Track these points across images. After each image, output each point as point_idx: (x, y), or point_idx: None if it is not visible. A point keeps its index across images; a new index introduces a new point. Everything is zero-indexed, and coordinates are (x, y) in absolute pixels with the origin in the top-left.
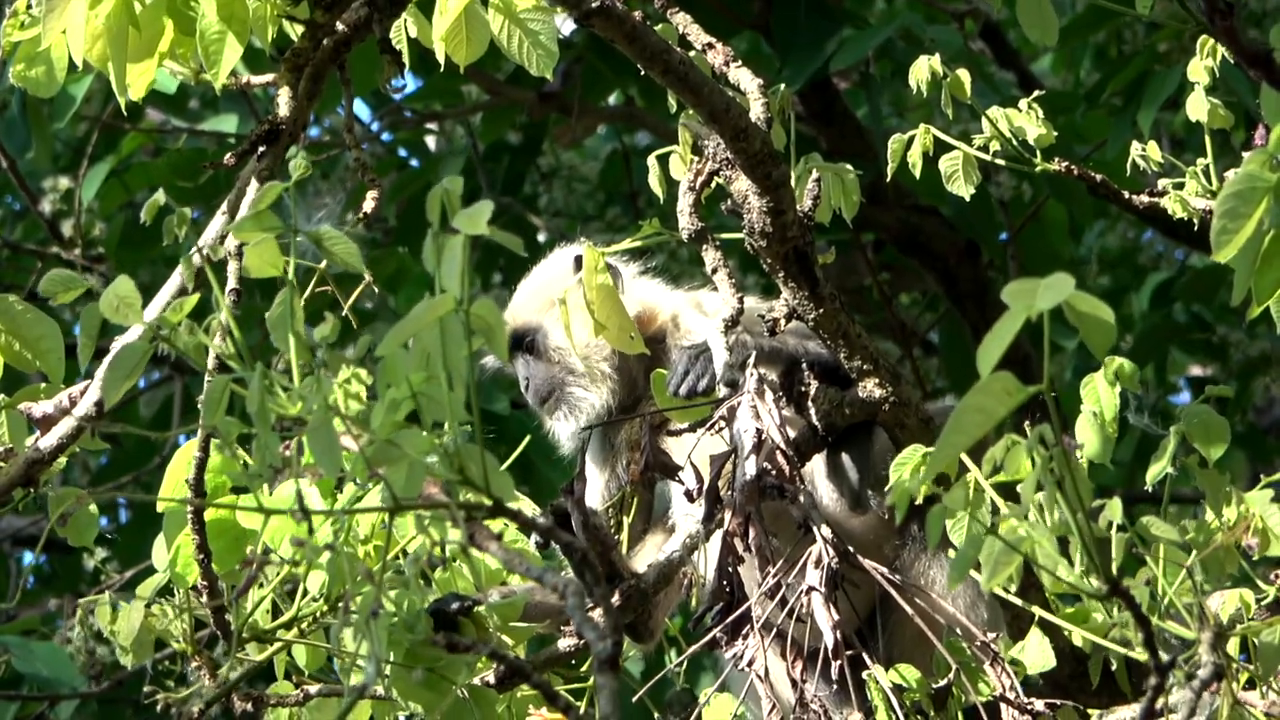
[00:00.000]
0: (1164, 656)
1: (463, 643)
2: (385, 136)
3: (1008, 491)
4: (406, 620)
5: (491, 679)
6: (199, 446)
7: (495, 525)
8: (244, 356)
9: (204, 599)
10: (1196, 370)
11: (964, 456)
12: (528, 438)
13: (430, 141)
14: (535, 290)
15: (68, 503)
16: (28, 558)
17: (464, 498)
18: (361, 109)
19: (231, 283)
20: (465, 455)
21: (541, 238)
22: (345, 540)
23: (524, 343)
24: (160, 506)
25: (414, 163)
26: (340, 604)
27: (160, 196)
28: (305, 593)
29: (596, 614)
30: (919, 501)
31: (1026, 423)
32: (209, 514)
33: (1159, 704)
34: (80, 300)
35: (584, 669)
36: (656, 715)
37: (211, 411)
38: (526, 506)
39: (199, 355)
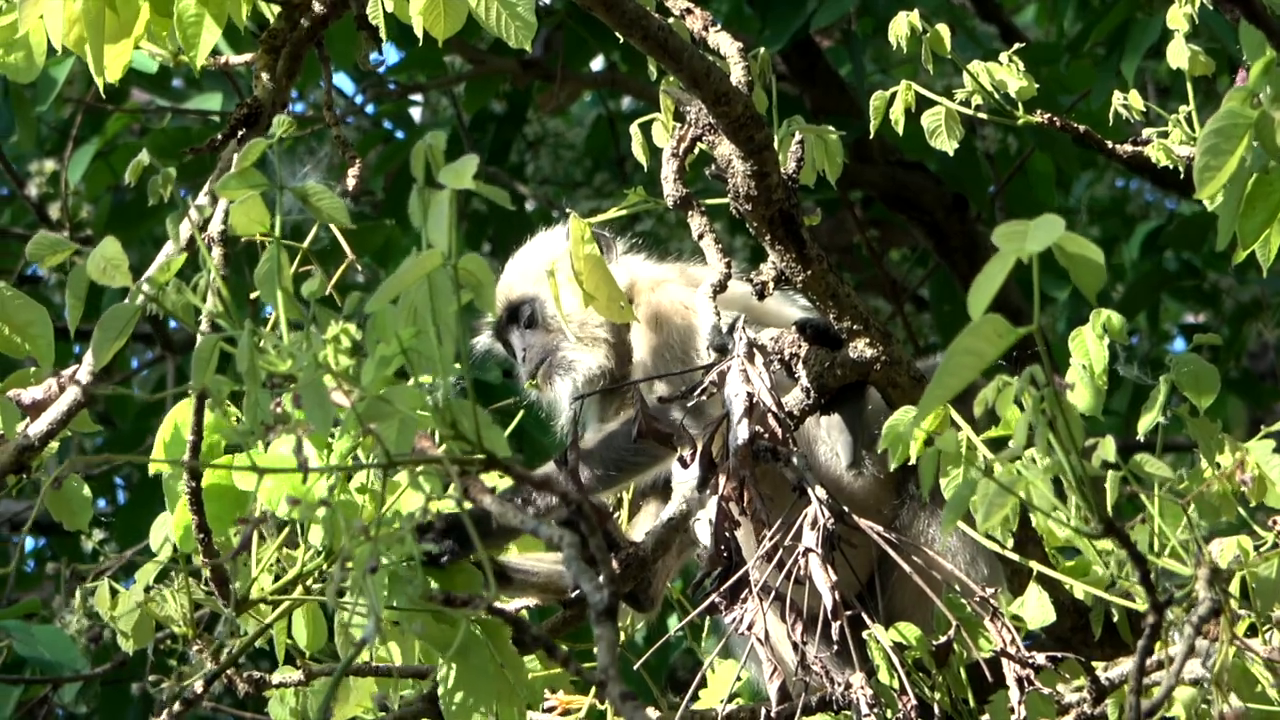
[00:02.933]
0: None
1: (459, 597)
2: (370, 109)
3: (1003, 446)
4: (403, 575)
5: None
6: (194, 421)
7: (489, 480)
8: (232, 314)
9: (205, 573)
10: (1190, 318)
11: (956, 415)
12: (522, 407)
13: (416, 113)
14: (529, 262)
15: (59, 470)
16: (28, 542)
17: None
18: (345, 82)
19: (217, 247)
20: (456, 410)
21: (530, 206)
22: (341, 492)
23: (520, 315)
24: (153, 468)
25: (399, 135)
26: (338, 560)
27: (144, 157)
28: (309, 546)
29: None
30: (913, 457)
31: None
32: (206, 480)
33: (1161, 654)
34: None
35: (591, 645)
36: (655, 688)
37: (201, 371)
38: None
39: (187, 315)
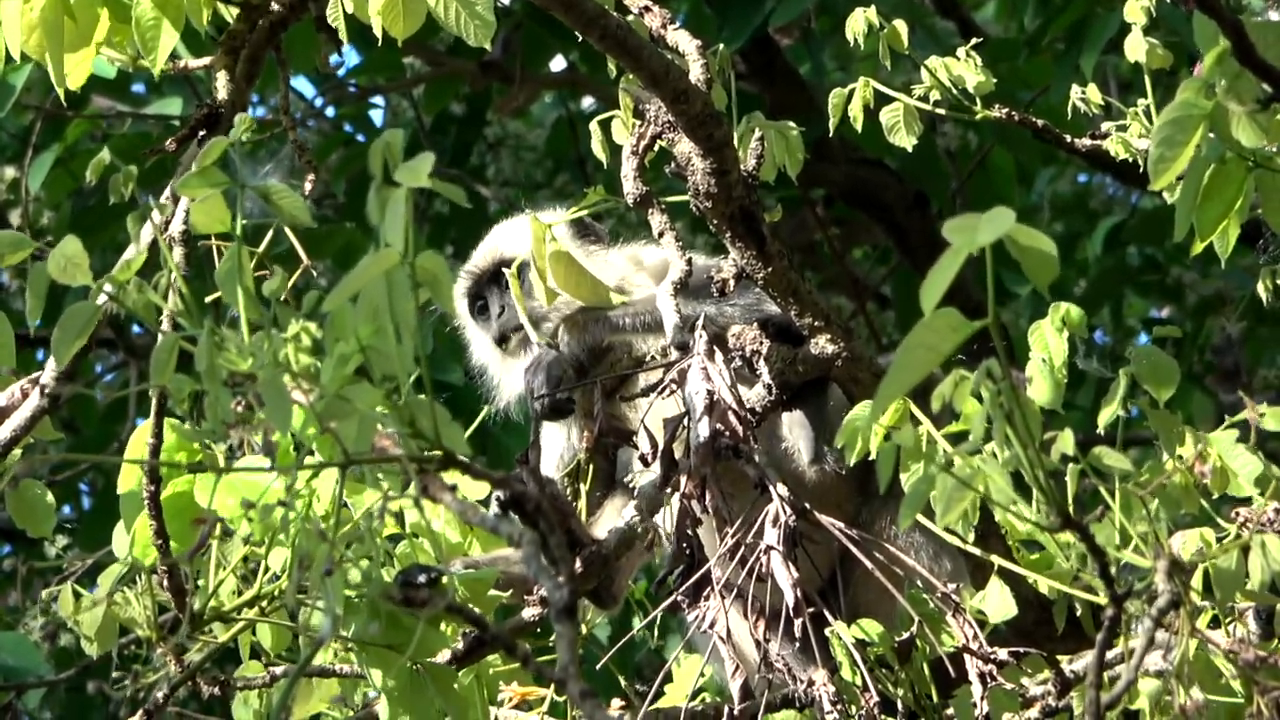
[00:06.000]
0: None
1: (419, 597)
2: (330, 112)
3: (964, 441)
4: (363, 575)
5: (449, 653)
6: (153, 422)
7: (449, 479)
8: (193, 312)
9: (164, 583)
10: (1155, 313)
11: (916, 410)
12: (486, 407)
13: (376, 116)
14: (518, 226)
15: (16, 468)
16: None
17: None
18: (305, 86)
19: (179, 245)
20: (415, 408)
21: (492, 208)
22: (306, 511)
23: (504, 274)
24: (120, 486)
25: (360, 138)
26: (299, 568)
27: (106, 155)
28: (267, 569)
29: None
30: (872, 452)
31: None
32: (165, 493)
33: (1123, 646)
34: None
35: (552, 640)
36: (624, 681)
37: (160, 370)
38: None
39: (148, 314)
